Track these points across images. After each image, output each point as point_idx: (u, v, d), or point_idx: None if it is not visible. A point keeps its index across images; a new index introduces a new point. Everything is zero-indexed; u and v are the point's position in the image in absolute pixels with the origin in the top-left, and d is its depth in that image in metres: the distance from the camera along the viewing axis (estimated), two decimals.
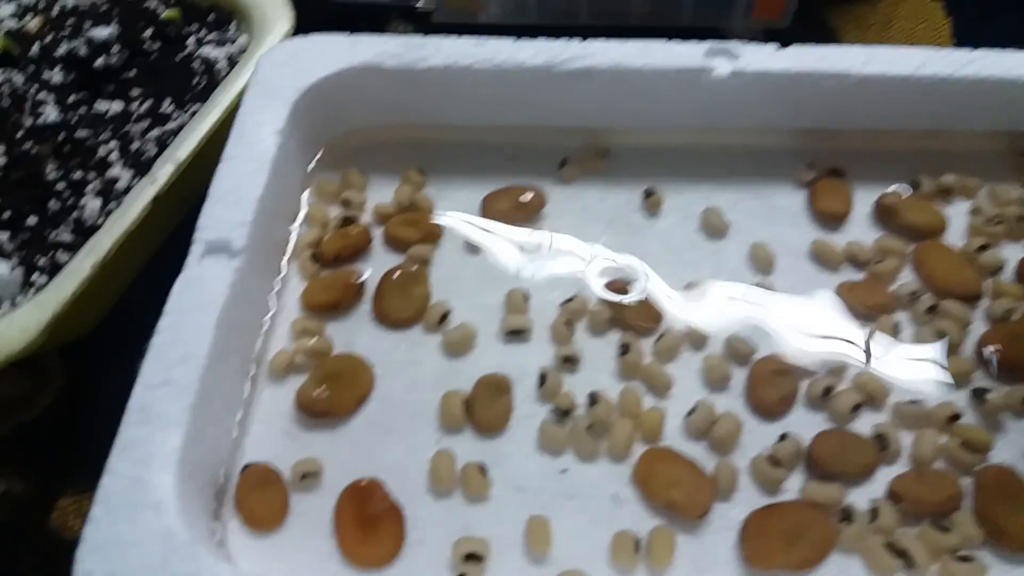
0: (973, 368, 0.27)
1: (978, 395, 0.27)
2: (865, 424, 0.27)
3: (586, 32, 0.34)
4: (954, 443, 0.26)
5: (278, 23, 0.37)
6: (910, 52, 0.32)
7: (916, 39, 0.43)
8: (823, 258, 0.31)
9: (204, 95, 0.35)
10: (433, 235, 0.32)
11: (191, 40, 0.37)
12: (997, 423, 0.27)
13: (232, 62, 0.37)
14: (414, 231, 0.31)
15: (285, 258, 0.31)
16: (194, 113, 0.34)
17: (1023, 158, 0.33)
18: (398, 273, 0.30)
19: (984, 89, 0.32)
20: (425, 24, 0.43)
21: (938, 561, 0.24)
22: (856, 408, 0.27)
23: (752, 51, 0.32)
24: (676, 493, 0.25)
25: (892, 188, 0.33)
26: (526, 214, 0.32)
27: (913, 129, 0.33)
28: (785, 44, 0.33)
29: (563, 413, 0.27)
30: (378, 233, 0.32)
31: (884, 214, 0.32)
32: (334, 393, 0.27)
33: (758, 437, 0.27)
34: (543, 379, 0.28)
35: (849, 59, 0.32)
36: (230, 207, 0.28)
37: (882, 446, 0.26)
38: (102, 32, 0.36)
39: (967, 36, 0.42)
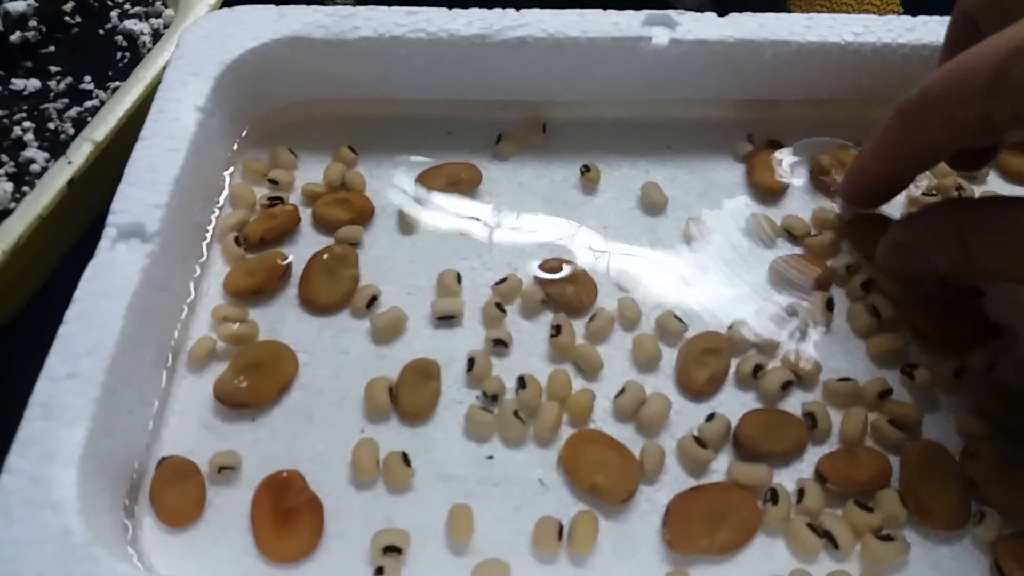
0: (905, 345, 0.27)
1: (907, 372, 0.26)
2: (796, 403, 0.26)
3: (531, 0, 0.33)
4: (882, 420, 0.25)
5: None
6: (850, 19, 0.31)
7: (865, 8, 0.42)
8: (760, 233, 0.30)
9: (126, 72, 0.34)
10: (364, 215, 0.31)
11: (114, 13, 0.36)
12: (927, 400, 0.26)
13: (157, 36, 0.35)
14: (344, 211, 0.31)
15: (206, 242, 0.30)
16: (115, 91, 0.33)
17: None
18: (326, 255, 0.29)
19: (925, 56, 0.31)
20: None
21: (862, 541, 0.23)
22: (786, 386, 0.26)
23: (691, 19, 0.31)
24: (600, 477, 0.24)
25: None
26: (461, 192, 0.31)
27: (855, 98, 0.33)
28: (731, 12, 0.32)
29: (491, 398, 0.26)
30: (307, 214, 0.31)
31: (819, 173, 0.31)
32: (254, 382, 0.26)
33: (687, 418, 0.26)
34: (471, 363, 0.27)
35: (788, 27, 0.31)
36: (145, 189, 0.27)
37: (811, 424, 0.25)
38: (19, 5, 0.34)
39: (916, 3, 0.41)
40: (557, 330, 0.28)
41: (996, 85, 0.21)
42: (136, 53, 0.34)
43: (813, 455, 0.25)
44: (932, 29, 0.31)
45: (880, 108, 0.32)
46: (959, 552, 0.23)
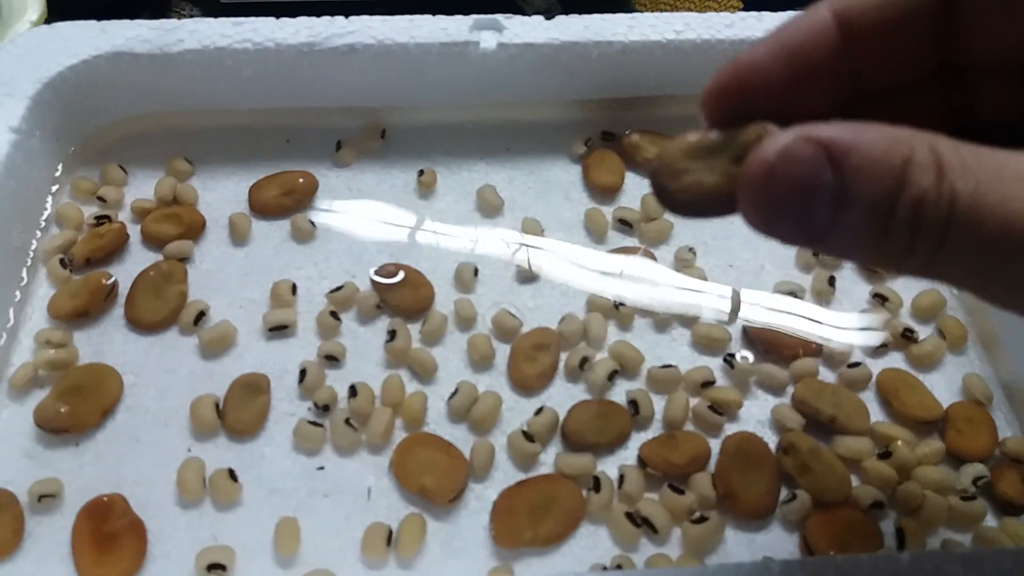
0: (727, 335, 0.28)
1: (728, 360, 0.27)
2: (622, 392, 0.27)
3: (382, 6, 0.33)
4: (702, 405, 0.26)
5: (26, 12, 0.34)
6: (672, 17, 0.32)
7: (707, 6, 0.43)
8: (594, 228, 0.31)
9: None
10: (195, 229, 0.30)
11: None
12: (747, 388, 0.27)
13: None
14: (173, 226, 0.30)
15: (27, 266, 0.29)
16: None
17: None
18: (152, 272, 0.29)
19: (745, 49, 0.32)
20: (211, 5, 0.41)
21: (679, 524, 0.24)
22: (612, 376, 0.27)
23: (519, 23, 0.32)
24: (427, 479, 0.24)
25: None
26: (296, 201, 0.31)
27: (683, 94, 0.34)
28: (582, 12, 0.32)
29: (323, 408, 0.26)
30: (137, 231, 0.30)
31: (629, 151, 0.32)
32: (76, 407, 0.26)
33: (519, 413, 0.27)
34: (303, 375, 0.27)
35: (612, 27, 0.32)
36: None
37: (635, 411, 0.26)
38: None
39: (756, 1, 0.43)
40: (392, 335, 0.28)
41: None
42: None
43: (637, 441, 0.26)
44: (750, 25, 0.33)
45: None
46: (771, 530, 0.24)
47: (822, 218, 0.13)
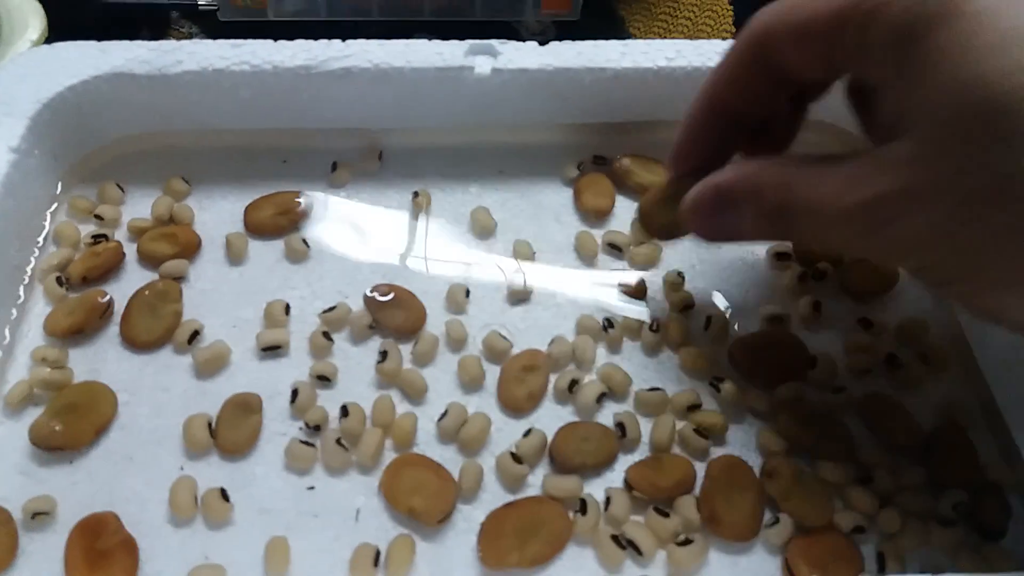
0: (713, 360, 0.28)
1: (715, 384, 0.28)
2: (610, 415, 0.27)
3: (378, 28, 0.34)
4: (688, 428, 0.27)
5: (26, 31, 0.35)
6: (664, 44, 0.33)
7: (700, 28, 0.44)
8: (584, 251, 0.31)
9: None
10: (190, 249, 0.31)
11: None
12: (733, 411, 0.28)
13: None
14: (169, 245, 0.30)
15: (24, 284, 0.29)
16: None
17: None
18: (147, 291, 0.29)
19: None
20: (211, 24, 0.42)
21: (664, 547, 0.24)
22: (600, 399, 0.27)
23: (512, 49, 0.33)
24: (417, 500, 0.25)
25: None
26: (290, 221, 0.32)
27: (674, 119, 0.34)
28: (575, 36, 0.33)
29: (314, 428, 0.26)
30: (133, 250, 0.31)
31: (620, 175, 0.33)
32: (70, 424, 0.26)
33: (508, 435, 0.27)
34: (295, 395, 0.27)
35: (605, 54, 0.33)
36: None
37: (621, 434, 0.26)
38: None
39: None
40: (383, 356, 0.28)
41: (846, 19, 0.21)
42: None
43: (624, 464, 0.26)
44: None
45: None
46: (754, 553, 0.25)
47: (724, 224, 0.24)
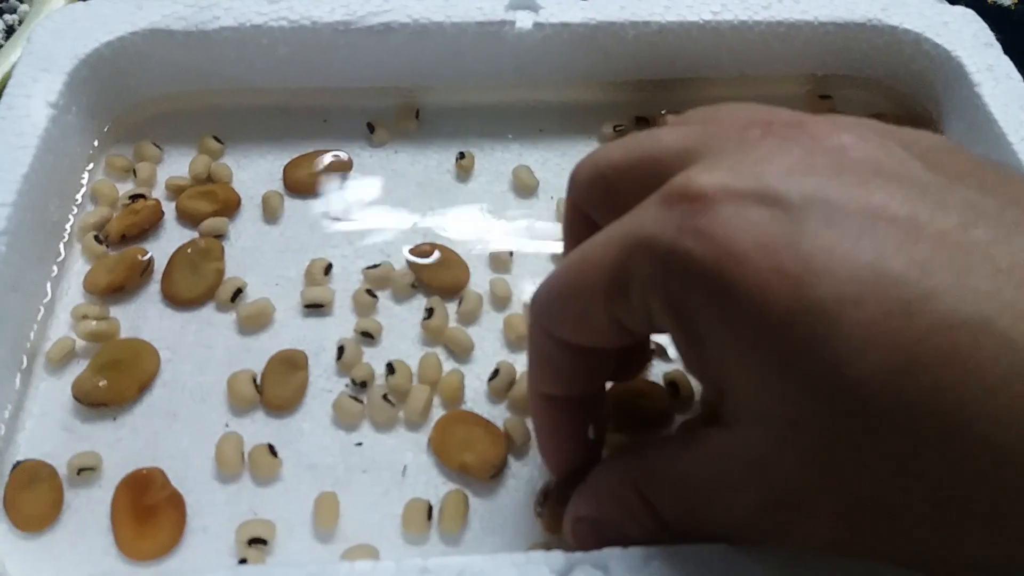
0: None
1: None
2: (658, 371, 0.27)
3: None
4: None
5: None
6: None
7: None
8: None
9: None
10: (230, 207, 0.30)
11: None
12: None
13: (11, 32, 0.34)
14: (208, 203, 0.30)
15: (64, 241, 0.29)
16: None
17: (823, 101, 0.34)
18: (189, 249, 0.29)
19: (781, 32, 0.32)
20: None
21: None
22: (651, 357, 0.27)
23: (554, 3, 0.32)
24: (468, 455, 0.24)
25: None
26: (331, 180, 0.31)
27: (717, 76, 0.33)
28: None
29: (360, 385, 0.26)
30: (172, 208, 0.30)
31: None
32: (113, 381, 0.26)
33: None
34: (341, 352, 0.27)
35: (649, 7, 0.32)
36: None
37: (674, 392, 0.26)
38: None
39: None
40: (430, 313, 0.28)
41: (617, 284, 0.18)
42: None
43: (677, 422, 0.26)
44: (787, 6, 0.32)
45: (742, 86, 0.34)
46: None
47: (591, 540, 0.20)
